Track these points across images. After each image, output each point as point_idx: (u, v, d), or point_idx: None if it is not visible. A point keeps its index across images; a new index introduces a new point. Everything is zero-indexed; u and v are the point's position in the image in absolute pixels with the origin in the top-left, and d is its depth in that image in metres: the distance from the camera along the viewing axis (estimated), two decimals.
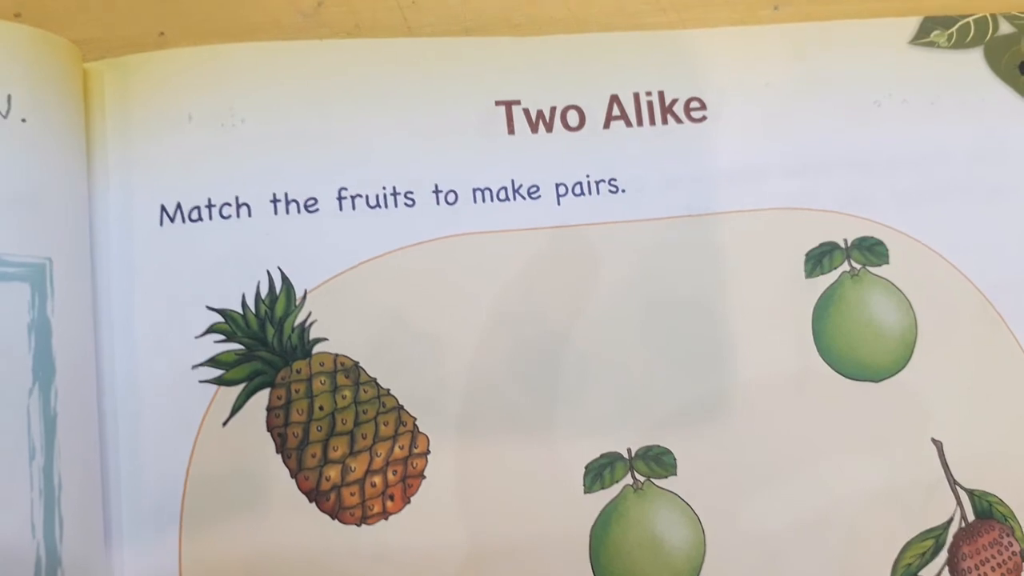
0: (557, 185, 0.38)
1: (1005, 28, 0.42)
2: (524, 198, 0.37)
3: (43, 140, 0.32)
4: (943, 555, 0.37)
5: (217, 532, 0.33)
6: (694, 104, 0.40)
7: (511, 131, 0.38)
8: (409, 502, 0.35)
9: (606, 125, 0.39)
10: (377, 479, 0.34)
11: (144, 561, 0.33)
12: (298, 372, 0.35)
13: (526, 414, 0.36)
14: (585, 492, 0.36)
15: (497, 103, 0.38)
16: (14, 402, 0.30)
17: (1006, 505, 0.38)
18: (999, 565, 0.37)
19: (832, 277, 0.39)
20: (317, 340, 0.35)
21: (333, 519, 0.34)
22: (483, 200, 0.37)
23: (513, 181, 0.37)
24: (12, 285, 0.30)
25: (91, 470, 0.32)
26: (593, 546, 0.35)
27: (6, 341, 0.30)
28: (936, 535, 0.37)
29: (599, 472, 0.36)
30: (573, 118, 0.38)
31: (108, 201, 0.35)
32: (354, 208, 0.36)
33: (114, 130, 0.35)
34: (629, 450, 0.36)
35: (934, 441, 0.38)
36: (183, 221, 0.35)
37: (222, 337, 0.34)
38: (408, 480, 0.35)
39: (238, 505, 0.33)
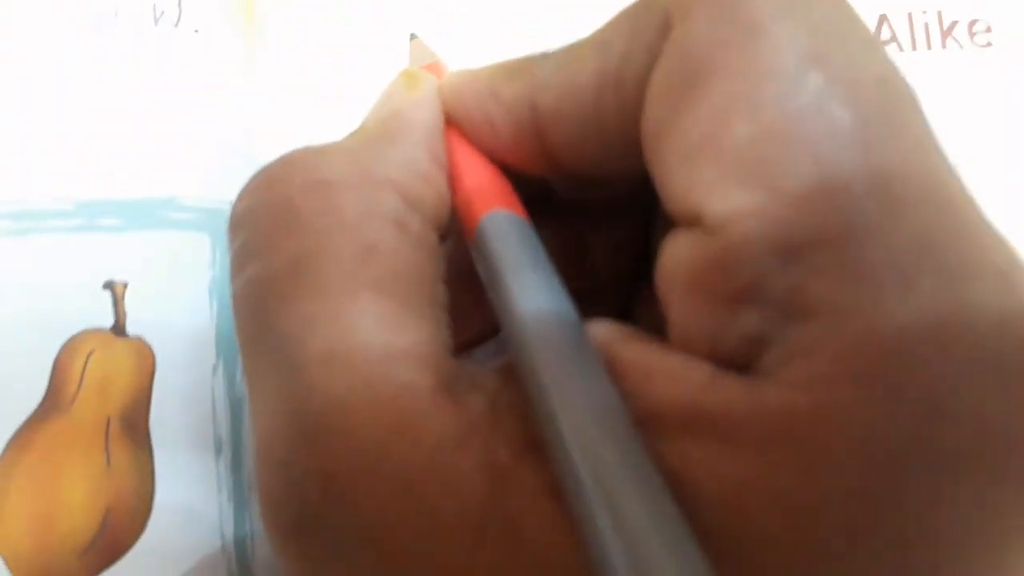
0: None
1: None
2: None
3: (216, 56, 0.26)
4: None
5: None
6: (978, 27, 0.32)
7: None
8: None
9: None
10: None
11: None
12: None
13: None
14: None
15: None
16: (197, 383, 0.24)
17: None
18: None
19: None
20: None
21: None
22: None
23: None
24: (188, 235, 0.24)
25: None
26: None
27: (184, 305, 0.24)
28: None
29: None
30: None
31: (281, 136, 0.28)
32: None
33: (282, 49, 0.28)
34: None
35: None
36: None
37: None
38: None
39: None
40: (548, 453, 0.12)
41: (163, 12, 0.25)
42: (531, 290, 0.14)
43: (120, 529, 0.22)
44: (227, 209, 0.25)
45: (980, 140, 0.31)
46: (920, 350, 0.11)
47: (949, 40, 0.32)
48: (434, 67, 0.19)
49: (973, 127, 0.31)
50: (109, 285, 0.23)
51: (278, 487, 0.13)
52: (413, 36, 0.20)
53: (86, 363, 0.23)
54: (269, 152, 0.27)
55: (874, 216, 0.12)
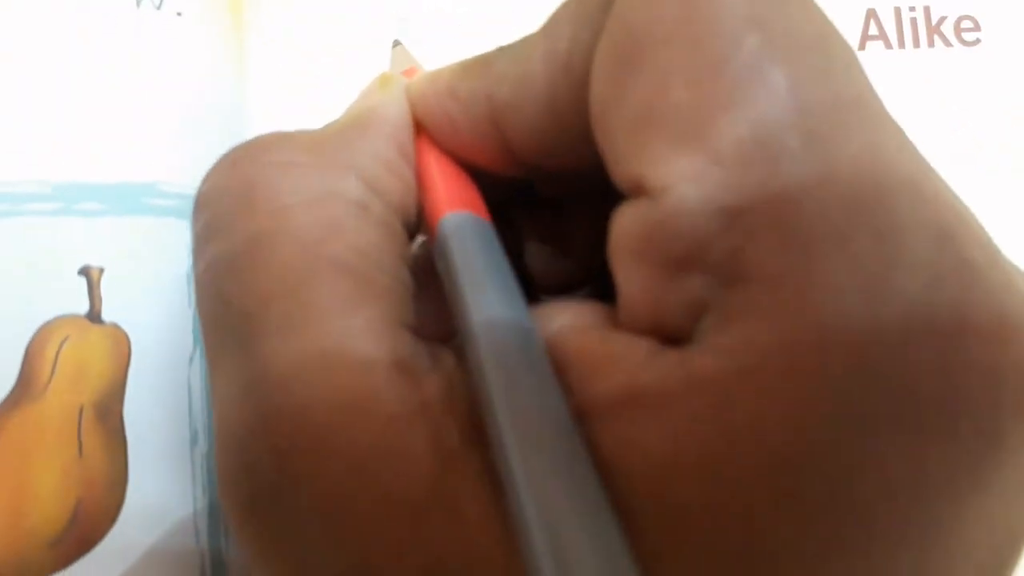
0: None
1: None
2: None
3: (200, 40, 0.25)
4: None
5: None
6: (966, 23, 0.32)
7: None
8: None
9: (861, 46, 0.31)
10: None
11: None
12: None
13: None
14: None
15: None
16: (173, 372, 0.23)
17: None
18: None
19: None
20: None
21: None
22: None
23: None
24: (167, 222, 0.24)
25: None
26: None
27: (162, 294, 0.23)
28: None
29: None
30: None
31: (266, 124, 0.28)
32: None
33: (271, 31, 0.28)
34: None
35: None
36: None
37: None
38: None
39: None
40: (488, 445, 0.12)
41: None
42: (480, 293, 0.14)
43: (92, 520, 0.22)
44: None
45: (968, 139, 0.31)
46: (848, 308, 0.11)
47: (936, 37, 0.32)
48: (411, 73, 0.19)
49: (961, 126, 0.31)
50: (85, 271, 0.23)
51: (235, 465, 0.13)
52: (396, 43, 0.21)
53: (59, 350, 0.22)
54: (253, 136, 0.27)
55: (809, 176, 0.11)
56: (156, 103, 0.24)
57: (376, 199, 0.15)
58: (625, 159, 0.13)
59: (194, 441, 0.23)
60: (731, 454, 0.11)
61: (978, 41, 0.32)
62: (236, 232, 0.14)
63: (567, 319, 0.14)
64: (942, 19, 0.32)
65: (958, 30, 0.32)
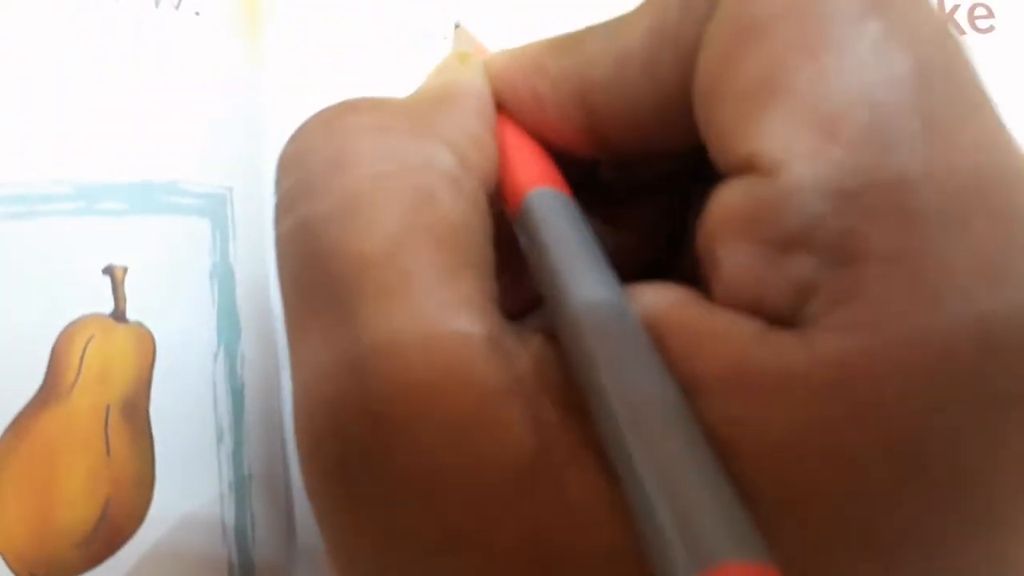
0: None
1: None
2: None
3: (219, 39, 0.25)
4: None
5: None
6: (980, 11, 0.32)
7: None
8: None
9: None
10: None
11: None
12: None
13: None
14: None
15: None
16: (198, 370, 0.23)
17: None
18: None
19: None
20: None
21: None
22: None
23: None
24: (190, 221, 0.24)
25: (278, 455, 0.25)
26: None
27: (186, 292, 0.23)
28: None
29: None
30: None
31: (285, 122, 0.28)
32: None
33: (288, 30, 0.28)
34: None
35: None
36: None
37: None
38: None
39: None
40: (593, 421, 0.12)
41: None
42: (575, 269, 0.14)
43: (120, 519, 0.22)
44: (228, 195, 0.24)
45: None
46: (972, 289, 0.11)
47: (950, 25, 0.32)
48: (479, 52, 0.19)
49: None
50: (108, 270, 0.23)
51: (323, 426, 0.13)
52: (457, 25, 0.21)
53: (85, 349, 0.22)
54: (274, 136, 0.27)
55: (928, 160, 0.11)
56: (176, 102, 0.24)
57: (466, 173, 0.15)
58: (735, 135, 0.13)
59: (220, 439, 0.23)
60: (856, 434, 0.11)
61: (992, 28, 0.32)
62: (331, 193, 0.14)
63: (656, 297, 0.14)
64: (956, 7, 0.32)
65: (972, 18, 0.32)
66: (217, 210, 0.24)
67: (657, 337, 0.13)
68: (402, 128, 0.15)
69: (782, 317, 0.12)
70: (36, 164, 0.23)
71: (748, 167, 0.13)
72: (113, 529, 0.22)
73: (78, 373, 0.22)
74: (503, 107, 0.17)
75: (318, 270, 0.14)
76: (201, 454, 0.23)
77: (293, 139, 0.16)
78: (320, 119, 0.15)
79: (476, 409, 0.12)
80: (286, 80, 0.27)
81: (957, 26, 0.32)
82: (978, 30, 0.32)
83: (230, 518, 0.23)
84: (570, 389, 0.13)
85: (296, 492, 0.25)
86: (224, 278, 0.24)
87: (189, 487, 0.23)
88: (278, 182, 0.15)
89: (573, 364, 0.13)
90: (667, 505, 0.10)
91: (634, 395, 0.12)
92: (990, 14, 0.32)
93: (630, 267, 0.19)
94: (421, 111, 0.16)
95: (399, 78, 0.29)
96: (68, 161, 0.23)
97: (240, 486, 0.23)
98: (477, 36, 0.21)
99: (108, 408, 0.22)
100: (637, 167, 0.18)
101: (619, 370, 0.12)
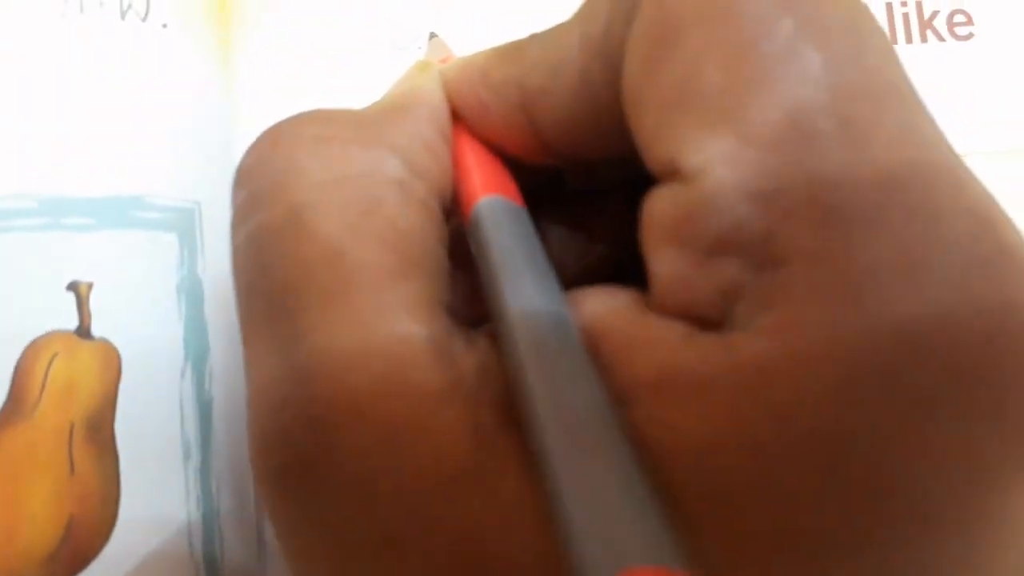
0: None
1: None
2: None
3: (186, 51, 0.25)
4: None
5: None
6: (959, 18, 0.32)
7: None
8: None
9: None
10: None
11: None
12: None
13: None
14: None
15: None
16: (165, 386, 0.23)
17: None
18: None
19: None
20: None
21: None
22: None
23: None
24: (157, 235, 0.24)
25: (247, 472, 0.25)
26: None
27: (153, 308, 0.23)
28: None
29: None
30: None
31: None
32: None
33: (260, 42, 0.28)
34: None
35: None
36: None
37: None
38: None
39: None
40: (523, 428, 0.12)
41: (130, 5, 0.25)
42: (514, 277, 0.14)
43: (85, 538, 0.22)
44: (196, 209, 0.24)
45: (961, 136, 0.31)
46: (891, 288, 0.11)
47: (929, 32, 0.31)
48: (447, 62, 0.19)
49: (955, 122, 0.31)
50: (73, 286, 0.23)
51: (270, 432, 0.13)
52: (433, 35, 0.21)
53: (49, 367, 0.22)
54: (240, 148, 0.26)
55: (844, 157, 0.11)
56: (143, 115, 0.24)
57: (416, 180, 0.15)
58: (658, 142, 0.13)
59: (187, 456, 0.23)
60: (776, 434, 0.11)
61: (971, 35, 0.32)
62: (279, 203, 0.14)
63: (598, 304, 0.14)
64: (935, 13, 0.32)
65: (951, 24, 0.32)
66: (185, 224, 0.24)
67: (593, 344, 0.13)
68: (350, 138, 0.15)
69: (712, 321, 0.12)
70: None
71: (672, 173, 0.13)
72: (77, 548, 0.22)
73: (42, 390, 0.22)
74: (458, 116, 0.17)
75: (267, 279, 0.14)
76: (168, 471, 0.23)
77: (247, 153, 0.16)
78: (271, 132, 0.16)
79: (412, 411, 0.12)
80: (256, 92, 0.27)
81: (936, 34, 0.31)
82: (957, 37, 0.32)
83: (198, 537, 0.23)
84: (510, 395, 0.13)
85: (266, 512, 0.25)
86: (192, 292, 0.24)
87: (156, 503, 0.23)
88: (233, 196, 0.16)
89: (507, 370, 0.13)
90: (582, 511, 0.11)
91: (558, 402, 0.12)
92: (969, 21, 0.32)
93: (603, 271, 0.19)
94: (372, 120, 0.16)
95: (371, 90, 0.29)
96: (31, 175, 0.23)
97: (208, 504, 0.23)
98: (452, 47, 0.21)
99: (72, 426, 0.22)
100: (600, 173, 0.18)
101: (546, 377, 0.12)
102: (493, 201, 0.16)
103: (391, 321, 0.13)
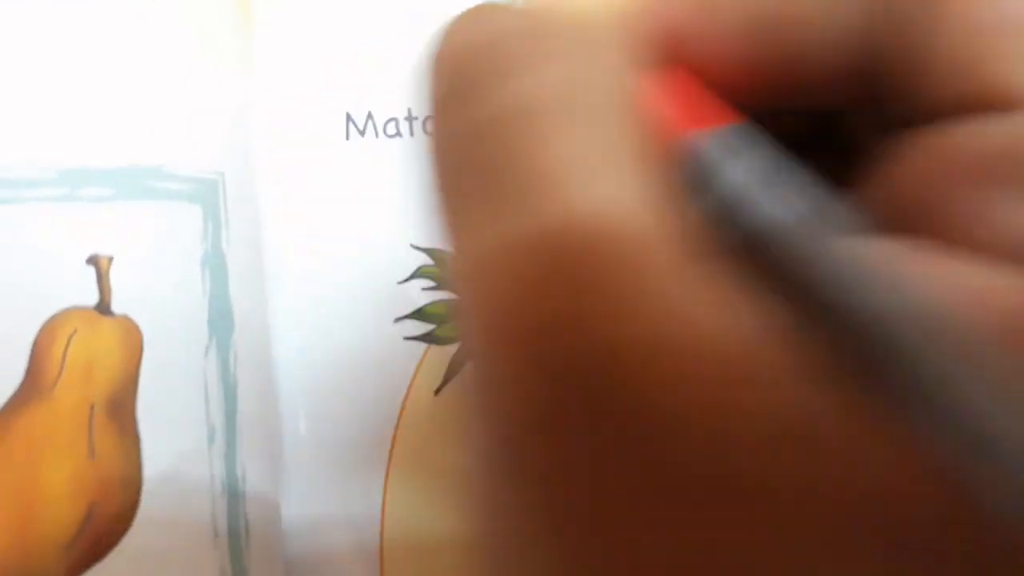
0: None
1: None
2: None
3: (206, 20, 0.24)
4: None
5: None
6: None
7: None
8: None
9: None
10: None
11: None
12: None
13: None
14: None
15: None
16: (188, 366, 0.22)
17: None
18: None
19: None
20: None
21: None
22: None
23: None
24: (179, 206, 0.22)
25: (273, 455, 0.24)
26: None
27: (175, 283, 0.22)
28: None
29: None
30: None
31: (277, 107, 0.26)
32: None
33: (281, 10, 0.27)
34: None
35: None
36: (376, 135, 0.26)
37: (431, 283, 0.26)
38: None
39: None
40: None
41: None
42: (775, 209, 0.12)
43: (106, 523, 0.21)
44: (220, 180, 0.23)
45: None
46: None
47: None
48: None
49: None
50: (93, 260, 0.22)
51: (522, 300, 0.10)
52: None
53: (68, 344, 0.21)
54: (264, 119, 0.25)
55: None
56: (163, 85, 0.23)
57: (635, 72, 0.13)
58: (966, 65, 0.12)
59: (211, 438, 0.22)
60: None
61: None
62: (532, 75, 0.13)
63: (887, 246, 0.12)
64: None
65: None
66: (208, 196, 0.23)
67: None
68: (566, 34, 0.14)
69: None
70: (16, 148, 0.21)
71: (985, 102, 0.12)
72: (98, 534, 0.21)
73: (60, 369, 0.21)
74: (660, 39, 0.16)
75: (507, 172, 0.12)
76: (191, 454, 0.22)
77: (446, 36, 0.14)
78: (472, 16, 0.14)
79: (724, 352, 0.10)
80: (276, 61, 0.26)
81: None
82: None
83: (223, 523, 0.22)
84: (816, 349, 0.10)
85: (291, 498, 0.24)
86: (216, 268, 0.23)
87: (179, 488, 0.22)
88: (432, 82, 0.14)
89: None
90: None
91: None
92: None
93: None
94: (577, 24, 0.14)
95: (392, 48, 0.28)
96: (50, 146, 0.22)
97: (233, 489, 0.22)
98: None
99: (92, 407, 0.21)
100: (800, 122, 0.17)
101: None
102: (723, 131, 0.14)
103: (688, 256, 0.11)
